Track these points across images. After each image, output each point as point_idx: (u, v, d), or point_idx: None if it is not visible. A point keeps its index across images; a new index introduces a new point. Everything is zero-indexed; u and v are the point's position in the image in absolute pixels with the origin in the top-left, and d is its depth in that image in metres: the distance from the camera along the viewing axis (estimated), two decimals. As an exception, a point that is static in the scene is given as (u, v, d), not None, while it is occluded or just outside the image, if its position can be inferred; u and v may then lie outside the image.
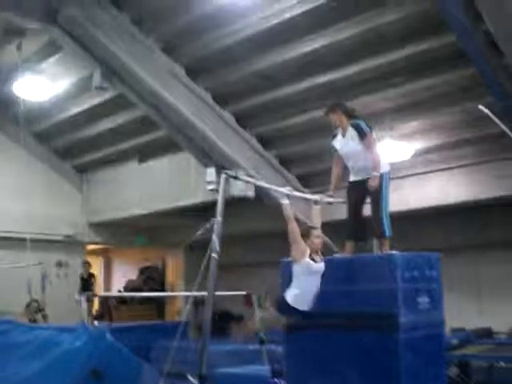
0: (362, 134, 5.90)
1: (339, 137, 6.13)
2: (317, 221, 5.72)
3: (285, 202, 5.47)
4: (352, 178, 6.03)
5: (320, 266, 5.21)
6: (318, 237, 5.33)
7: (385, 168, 5.94)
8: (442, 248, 10.04)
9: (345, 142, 6.04)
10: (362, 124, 5.97)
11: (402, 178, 12.01)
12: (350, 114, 6.12)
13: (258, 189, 11.18)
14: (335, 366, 5.10)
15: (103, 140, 14.07)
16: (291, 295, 5.15)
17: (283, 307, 5.23)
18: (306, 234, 5.33)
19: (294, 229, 5.25)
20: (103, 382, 4.99)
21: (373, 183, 5.75)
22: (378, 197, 5.77)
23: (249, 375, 7.11)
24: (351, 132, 5.97)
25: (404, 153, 11.17)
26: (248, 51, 9.56)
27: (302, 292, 5.14)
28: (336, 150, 6.23)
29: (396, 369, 4.80)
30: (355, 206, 5.97)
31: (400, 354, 4.80)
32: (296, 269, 5.23)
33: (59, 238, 15.46)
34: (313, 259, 5.18)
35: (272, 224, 13.63)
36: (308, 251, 5.19)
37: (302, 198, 6.69)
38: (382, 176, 5.85)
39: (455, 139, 11.07)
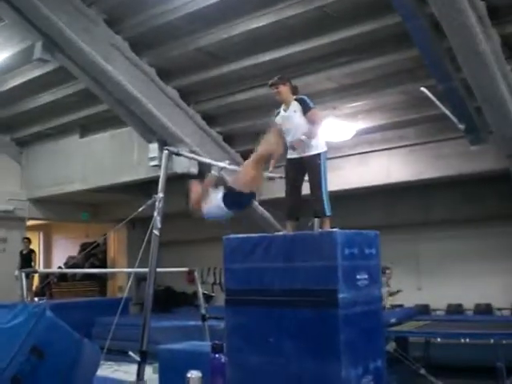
0: (306, 108, 5.92)
1: (281, 112, 6.14)
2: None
3: (214, 173, 5.60)
4: (290, 155, 6.04)
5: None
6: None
7: (322, 147, 5.97)
8: (384, 226, 10.28)
9: (286, 116, 6.04)
10: (307, 99, 6.00)
11: (345, 157, 12.19)
12: (295, 91, 6.14)
13: (201, 165, 11.16)
14: (275, 342, 5.16)
15: (44, 113, 13.78)
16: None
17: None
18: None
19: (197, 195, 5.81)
20: (44, 360, 4.93)
21: (296, 144, 5.80)
22: (316, 176, 5.80)
23: (190, 351, 7.11)
24: (295, 106, 5.98)
25: (347, 132, 11.31)
26: (193, 27, 9.46)
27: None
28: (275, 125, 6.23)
29: (335, 344, 4.88)
30: (293, 184, 5.99)
31: (339, 330, 4.87)
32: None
33: (-2, 213, 15.16)
34: None
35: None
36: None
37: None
38: (320, 155, 5.87)
39: (397, 120, 11.28)
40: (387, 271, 11.74)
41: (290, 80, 6.17)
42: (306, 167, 5.88)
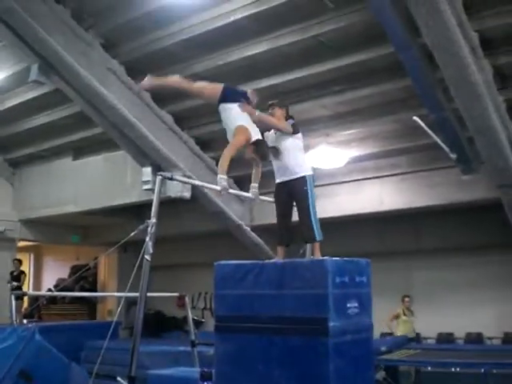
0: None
1: (271, 133, 6.24)
2: None
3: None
4: (278, 180, 6.10)
5: None
6: None
7: (308, 171, 6.02)
8: (376, 253, 10.32)
9: (276, 137, 6.14)
10: (292, 123, 6.15)
11: (338, 184, 12.23)
12: (288, 116, 6.26)
13: (194, 190, 11.17)
14: (265, 369, 5.14)
15: (38, 135, 13.79)
16: None
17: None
18: None
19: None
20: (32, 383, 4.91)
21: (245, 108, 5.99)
22: (304, 200, 5.84)
23: (179, 377, 7.09)
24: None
25: (340, 159, 11.37)
26: (189, 53, 9.54)
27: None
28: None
29: (325, 373, 4.87)
30: (283, 210, 6.03)
31: (329, 358, 4.86)
32: None
33: (-11, 233, 15.09)
34: None
35: (207, 225, 13.73)
36: None
37: (237, 195, 6.76)
38: (305, 179, 5.93)
39: (390, 148, 11.34)
40: (406, 299, 12.04)
41: (288, 107, 6.29)
42: (293, 192, 5.93)
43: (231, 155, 5.82)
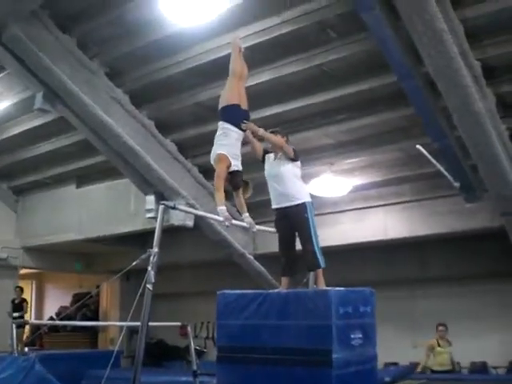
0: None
1: (271, 159, 6.27)
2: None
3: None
4: (275, 205, 6.11)
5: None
6: None
7: (308, 198, 6.03)
8: (379, 281, 10.23)
9: (276, 163, 6.17)
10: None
11: (341, 212, 12.20)
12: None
13: (197, 219, 11.15)
14: (267, 401, 5.09)
15: (42, 162, 13.83)
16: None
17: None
18: None
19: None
20: (30, 414, 4.85)
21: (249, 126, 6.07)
22: (305, 228, 5.83)
23: (181, 408, 7.01)
24: (283, 158, 6.13)
25: (343, 188, 11.36)
26: (192, 82, 9.60)
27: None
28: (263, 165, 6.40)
29: (328, 404, 4.82)
30: (285, 240, 6.02)
31: (333, 390, 4.82)
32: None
33: (-9, 260, 15.04)
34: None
35: (210, 254, 13.67)
36: None
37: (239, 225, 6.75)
38: (305, 205, 5.93)
39: (393, 176, 11.33)
40: (440, 328, 11.18)
41: (288, 137, 6.33)
42: (293, 219, 5.92)
43: (219, 185, 5.80)
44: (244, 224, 6.35)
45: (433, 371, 11.07)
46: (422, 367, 11.42)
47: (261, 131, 6.11)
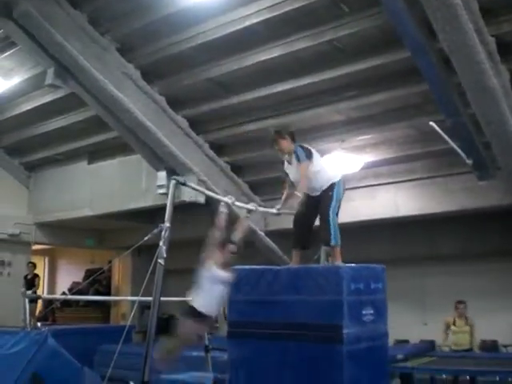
0: (298, 161, 5.97)
1: (286, 164, 6.20)
2: (239, 235, 5.58)
3: (223, 210, 5.54)
4: (310, 193, 6.07)
5: (228, 276, 5.22)
6: (232, 252, 5.31)
7: (336, 178, 5.99)
8: (390, 259, 10.23)
9: (293, 170, 6.09)
10: (299, 151, 6.00)
11: (353, 189, 12.15)
12: (294, 138, 6.17)
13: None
14: (278, 376, 5.11)
15: (53, 138, 13.87)
16: (198, 301, 5.15)
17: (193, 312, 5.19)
18: (223, 244, 5.34)
19: (214, 236, 5.33)
20: (43, 387, 4.91)
21: (295, 201, 5.79)
22: (327, 204, 5.82)
23: (192, 382, 7.06)
24: (294, 158, 6.04)
25: (355, 165, 11.31)
26: (204, 57, 9.56)
27: (208, 299, 5.16)
28: (287, 175, 6.26)
29: (339, 380, 4.83)
30: (302, 215, 6.00)
31: (343, 366, 4.83)
32: (204, 275, 5.22)
33: (4, 236, 15.15)
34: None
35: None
36: (219, 261, 5.21)
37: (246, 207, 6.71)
38: (333, 185, 5.91)
39: (405, 154, 11.26)
40: (458, 305, 10.77)
41: (287, 129, 6.22)
42: (319, 199, 5.92)
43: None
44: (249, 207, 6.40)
45: (452, 350, 10.83)
46: (443, 345, 11.09)
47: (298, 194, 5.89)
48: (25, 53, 10.15)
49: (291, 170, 6.09)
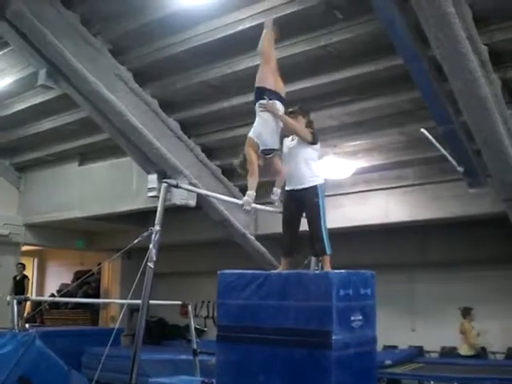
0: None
1: (287, 141, 6.19)
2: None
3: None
4: (288, 187, 6.05)
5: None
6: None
7: (320, 181, 5.96)
8: (380, 265, 10.23)
9: (292, 146, 6.08)
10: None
11: (344, 195, 12.19)
12: (309, 126, 6.21)
13: (199, 199, 11.14)
14: (266, 381, 5.10)
15: (44, 139, 13.81)
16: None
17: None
18: None
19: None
20: (30, 389, 4.88)
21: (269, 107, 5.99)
22: (315, 213, 5.77)
23: (180, 386, 7.05)
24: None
25: (346, 170, 11.33)
26: (197, 61, 9.55)
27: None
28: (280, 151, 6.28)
29: (327, 385, 4.83)
30: (290, 220, 5.98)
31: (331, 371, 4.82)
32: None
33: (-6, 237, 15.08)
34: None
35: (211, 234, 13.69)
36: None
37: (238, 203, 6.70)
38: (317, 189, 5.87)
39: (396, 160, 11.30)
40: (472, 311, 11.12)
41: (310, 116, 6.24)
42: (303, 202, 5.87)
43: (252, 172, 5.82)
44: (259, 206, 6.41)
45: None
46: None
47: (279, 114, 5.99)
48: (17, 53, 10.11)
49: (293, 146, 6.08)
